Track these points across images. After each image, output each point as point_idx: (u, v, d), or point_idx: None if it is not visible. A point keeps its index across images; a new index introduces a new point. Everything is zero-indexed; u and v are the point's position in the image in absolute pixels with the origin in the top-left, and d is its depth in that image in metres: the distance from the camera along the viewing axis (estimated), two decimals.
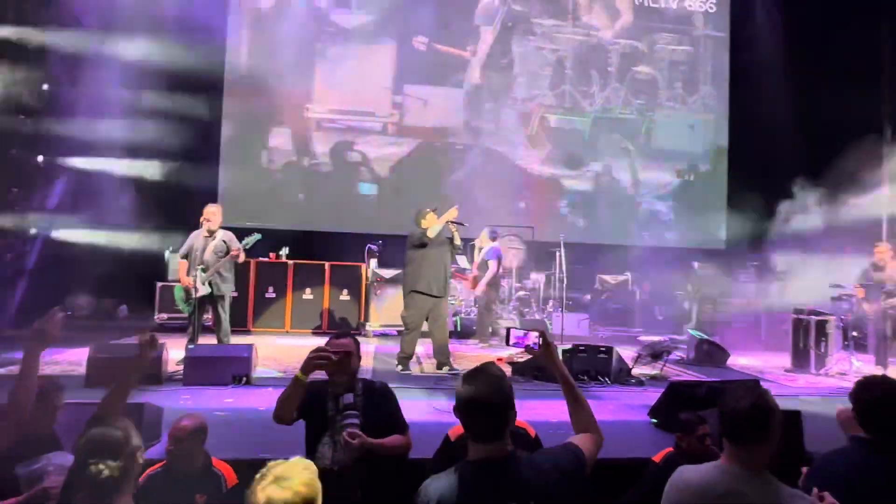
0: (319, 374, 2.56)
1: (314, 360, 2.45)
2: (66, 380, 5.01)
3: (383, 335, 8.51)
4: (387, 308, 8.80)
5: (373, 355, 7.04)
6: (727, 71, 11.20)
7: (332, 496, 2.35)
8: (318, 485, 1.45)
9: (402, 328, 8.44)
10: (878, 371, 6.47)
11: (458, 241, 6.05)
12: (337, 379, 2.55)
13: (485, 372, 1.70)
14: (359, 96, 10.28)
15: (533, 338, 1.96)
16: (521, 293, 9.36)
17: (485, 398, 1.63)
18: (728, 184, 10.94)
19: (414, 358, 6.28)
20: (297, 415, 2.54)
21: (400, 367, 6.00)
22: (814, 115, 9.66)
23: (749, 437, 1.70)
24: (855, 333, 6.67)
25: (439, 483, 1.61)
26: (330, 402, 2.55)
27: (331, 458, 2.46)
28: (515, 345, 2.02)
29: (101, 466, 1.61)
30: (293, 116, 10.20)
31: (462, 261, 9.25)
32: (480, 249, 8.23)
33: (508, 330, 2.06)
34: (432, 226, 5.91)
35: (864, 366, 6.64)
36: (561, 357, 5.70)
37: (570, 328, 8.45)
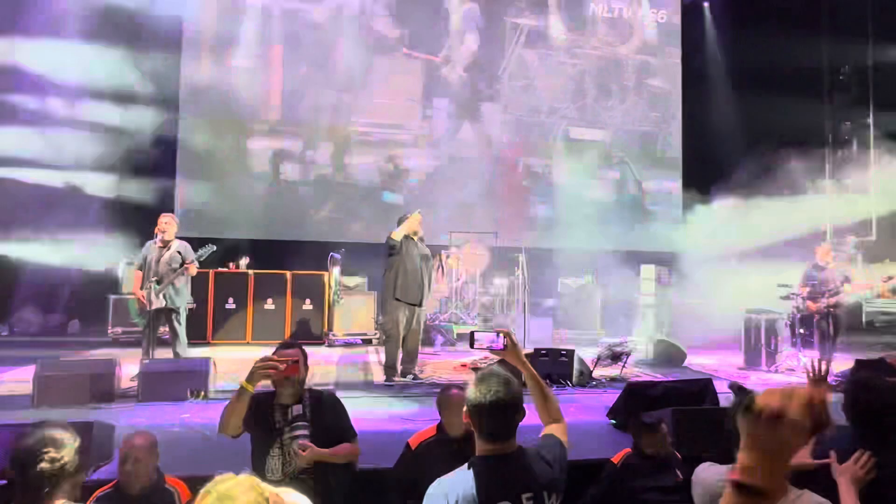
0: (267, 386, 2.53)
1: (260, 370, 2.40)
2: (10, 400, 4.87)
3: (347, 344, 8.44)
4: (351, 317, 8.75)
5: (336, 364, 6.98)
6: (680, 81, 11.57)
7: None
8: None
9: (369, 337, 8.51)
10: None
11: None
12: (284, 390, 2.52)
13: (496, 375, 1.77)
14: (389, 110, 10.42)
15: (498, 338, 1.99)
16: (485, 298, 9.43)
17: (500, 399, 1.70)
18: (683, 189, 11.28)
19: (377, 364, 6.23)
20: (242, 427, 2.49)
21: (385, 379, 5.90)
22: (761, 127, 10.12)
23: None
24: (802, 331, 6.95)
25: (454, 480, 1.68)
26: (277, 414, 2.52)
27: (281, 471, 2.44)
28: (481, 347, 2.02)
29: (40, 464, 1.64)
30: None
31: None
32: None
33: (472, 333, 2.05)
34: (395, 231, 5.89)
35: (810, 362, 6.93)
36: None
37: (534, 332, 8.55)
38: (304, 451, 2.40)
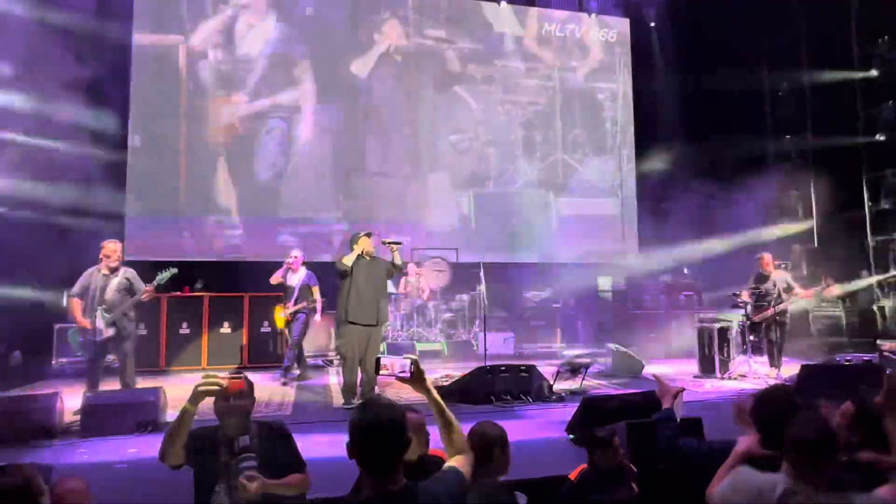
0: (210, 420, 2.45)
1: (202, 388, 2.31)
2: None
3: (313, 365, 8.26)
4: (311, 336, 8.59)
5: (295, 386, 6.82)
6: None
7: None
8: None
9: (330, 358, 8.36)
10: (773, 372, 7.01)
11: (398, 261, 5.91)
12: (229, 421, 2.44)
13: (375, 403, 1.69)
14: None
15: (404, 366, 1.91)
16: (447, 315, 9.42)
17: (374, 427, 1.61)
18: (638, 203, 11.59)
19: (331, 389, 6.11)
20: (184, 458, 2.39)
21: (343, 402, 5.79)
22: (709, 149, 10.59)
23: (817, 463, 1.80)
24: (752, 338, 7.18)
25: None
26: (222, 447, 2.42)
27: None
28: (386, 373, 1.92)
29: None
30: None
31: (388, 285, 9.21)
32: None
33: (378, 359, 1.95)
34: (347, 256, 5.82)
35: (761, 367, 7.17)
36: (481, 378, 5.81)
37: (496, 347, 8.58)
38: (251, 482, 2.31)
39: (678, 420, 2.70)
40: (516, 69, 11.32)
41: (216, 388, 2.33)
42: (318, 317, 7.35)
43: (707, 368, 7.30)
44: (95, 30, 8.53)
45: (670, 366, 8.20)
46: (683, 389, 2.84)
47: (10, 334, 8.59)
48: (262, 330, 8.40)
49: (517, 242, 10.71)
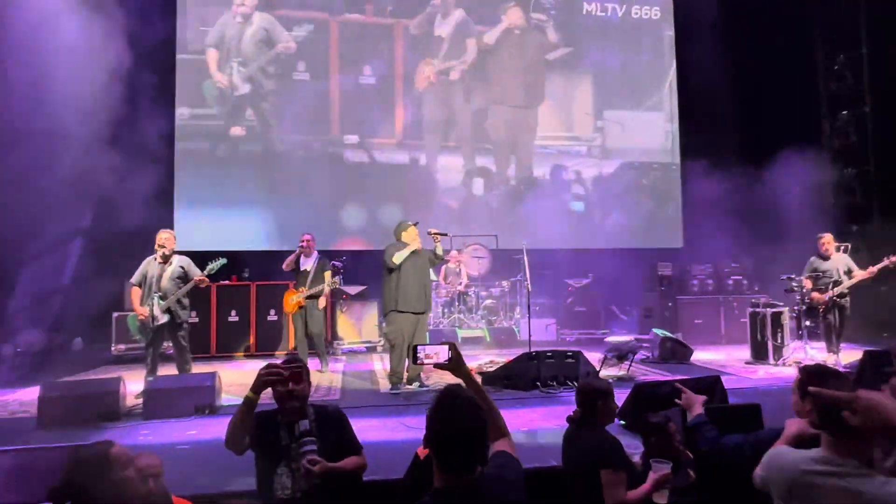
0: (269, 404, 2.50)
1: (264, 377, 2.36)
2: (17, 423, 4.85)
3: (351, 352, 8.41)
4: (354, 324, 8.73)
5: (341, 373, 6.95)
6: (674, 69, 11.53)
7: None
8: None
9: (374, 345, 8.50)
10: (830, 358, 6.74)
11: (440, 252, 6.01)
12: (287, 406, 2.49)
13: (459, 400, 1.58)
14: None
15: (441, 352, 1.91)
16: (488, 301, 9.40)
17: (460, 431, 1.52)
18: (682, 183, 11.25)
19: (376, 374, 6.20)
20: (248, 443, 2.46)
21: (390, 387, 5.88)
22: (755, 116, 10.11)
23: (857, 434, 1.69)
24: (808, 323, 6.92)
25: None
26: (282, 432, 2.49)
27: (291, 488, 2.41)
28: (423, 362, 1.93)
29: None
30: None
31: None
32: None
33: (415, 347, 1.98)
34: (399, 252, 5.85)
35: (818, 353, 6.90)
36: (526, 363, 5.78)
37: (538, 333, 8.52)
38: (314, 466, 2.37)
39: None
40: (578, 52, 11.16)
41: (278, 376, 2.38)
42: (322, 302, 6.88)
43: (760, 355, 7.08)
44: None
45: (720, 352, 7.99)
46: (707, 398, 2.86)
47: (71, 322, 9.05)
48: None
49: (557, 227, 10.58)
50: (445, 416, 1.55)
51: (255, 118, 10.00)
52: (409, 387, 5.91)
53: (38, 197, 8.37)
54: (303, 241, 6.91)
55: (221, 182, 9.81)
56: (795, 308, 7.03)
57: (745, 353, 7.41)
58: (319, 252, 7.15)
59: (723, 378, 4.74)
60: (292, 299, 6.90)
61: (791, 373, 6.46)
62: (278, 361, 2.57)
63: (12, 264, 8.18)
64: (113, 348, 7.92)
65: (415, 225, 6.01)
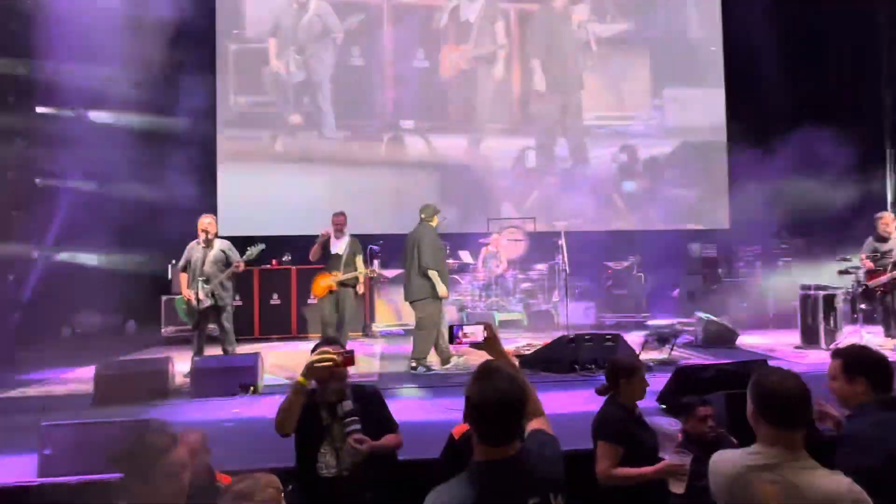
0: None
1: (318, 364, 2.39)
2: (75, 399, 5.12)
3: (389, 335, 8.51)
4: (392, 308, 8.82)
5: (378, 356, 7.04)
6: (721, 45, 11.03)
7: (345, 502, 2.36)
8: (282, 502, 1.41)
9: (411, 328, 8.57)
10: (889, 343, 6.41)
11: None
12: (329, 387, 2.53)
13: (497, 372, 1.61)
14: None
15: (477, 332, 1.91)
16: (526, 284, 9.33)
17: (499, 401, 1.54)
18: (729, 162, 10.83)
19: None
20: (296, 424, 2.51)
21: (414, 366, 5.97)
22: (812, 93, 9.58)
23: (795, 420, 1.67)
24: (864, 306, 6.60)
25: (454, 490, 1.54)
26: (323, 412, 2.53)
27: (336, 466, 2.46)
28: (460, 341, 1.94)
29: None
30: None
31: (465, 255, 9.25)
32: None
33: (452, 327, 1.99)
34: (440, 282, 5.98)
35: (874, 338, 6.58)
36: (565, 347, 5.73)
37: (577, 317, 8.42)
38: (361, 444, 2.42)
39: None
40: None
41: (330, 363, 2.42)
42: (360, 289, 6.69)
43: (811, 339, 6.79)
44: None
45: (767, 336, 7.72)
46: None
47: (124, 306, 9.46)
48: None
49: (597, 208, 10.39)
50: (484, 385, 1.57)
51: (310, 104, 10.12)
52: (445, 367, 6.00)
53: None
54: (336, 222, 6.55)
55: (265, 168, 10.05)
56: (850, 290, 6.71)
57: (794, 337, 7.12)
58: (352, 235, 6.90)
59: (770, 363, 4.57)
60: (323, 282, 6.52)
61: None
62: (316, 346, 2.61)
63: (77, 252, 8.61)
64: (163, 330, 8.24)
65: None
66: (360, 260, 6.55)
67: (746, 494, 1.63)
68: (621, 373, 2.79)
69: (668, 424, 3.17)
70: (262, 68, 10.11)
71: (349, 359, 2.52)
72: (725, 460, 1.74)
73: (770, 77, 9.85)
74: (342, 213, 6.66)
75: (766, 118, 10.07)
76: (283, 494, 1.44)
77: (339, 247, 6.50)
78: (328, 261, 6.53)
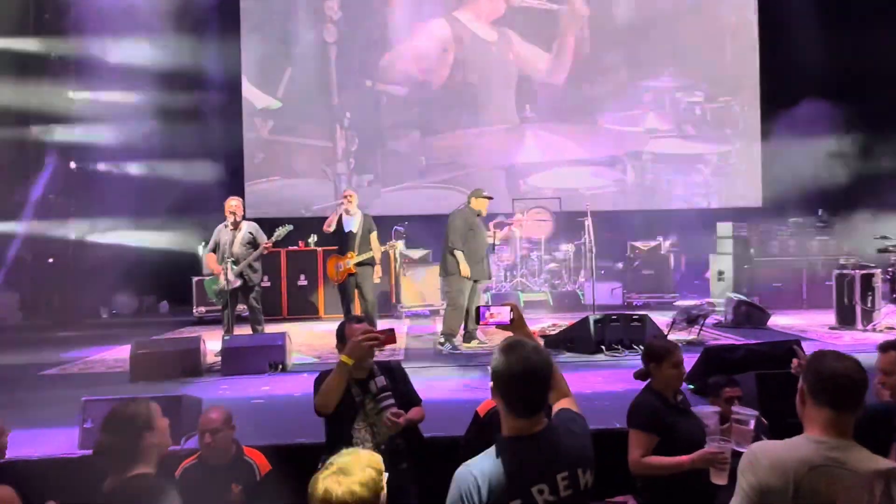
0: (324, 365, 2.61)
1: (363, 343, 2.43)
2: (112, 377, 5.31)
3: (415, 315, 8.56)
4: (417, 288, 8.86)
5: (404, 335, 7.10)
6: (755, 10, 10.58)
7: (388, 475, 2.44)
8: (381, 484, 1.41)
9: (436, 308, 8.64)
10: None
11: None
12: (365, 365, 2.59)
13: (522, 344, 1.63)
14: None
15: (504, 312, 1.92)
16: (552, 265, 9.26)
17: (526, 370, 1.55)
18: (762, 138, 10.48)
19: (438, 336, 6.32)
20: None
21: (441, 342, 6.03)
22: (850, 63, 9.13)
23: (853, 403, 1.58)
24: None
25: (483, 465, 1.54)
26: (354, 388, 2.58)
27: (372, 441, 2.53)
28: (487, 322, 1.95)
29: (113, 437, 1.85)
30: None
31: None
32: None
33: (478, 308, 2.03)
34: (462, 262, 5.97)
35: None
36: (592, 328, 5.69)
37: (603, 297, 8.34)
38: (398, 419, 2.49)
39: None
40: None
41: (375, 342, 2.47)
42: (378, 271, 6.40)
43: (846, 319, 6.60)
44: None
45: (801, 317, 7.53)
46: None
47: (157, 287, 9.73)
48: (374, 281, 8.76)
49: (625, 188, 10.21)
50: (510, 357, 1.58)
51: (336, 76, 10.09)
52: (469, 345, 6.06)
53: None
54: (343, 198, 6.28)
55: (291, 149, 10.14)
56: (890, 270, 6.48)
57: (828, 318, 6.93)
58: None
59: (803, 344, 4.46)
60: (339, 266, 6.18)
61: (880, 338, 5.99)
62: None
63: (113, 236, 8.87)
64: (194, 311, 8.44)
65: (488, 198, 6.19)
66: (374, 237, 6.25)
67: (824, 487, 1.53)
68: (650, 357, 2.74)
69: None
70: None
71: (391, 337, 2.57)
72: (782, 454, 1.60)
73: (808, 40, 9.41)
74: (351, 190, 6.57)
75: (801, 85, 9.65)
76: (384, 477, 1.43)
77: (353, 224, 6.21)
78: (341, 239, 6.27)
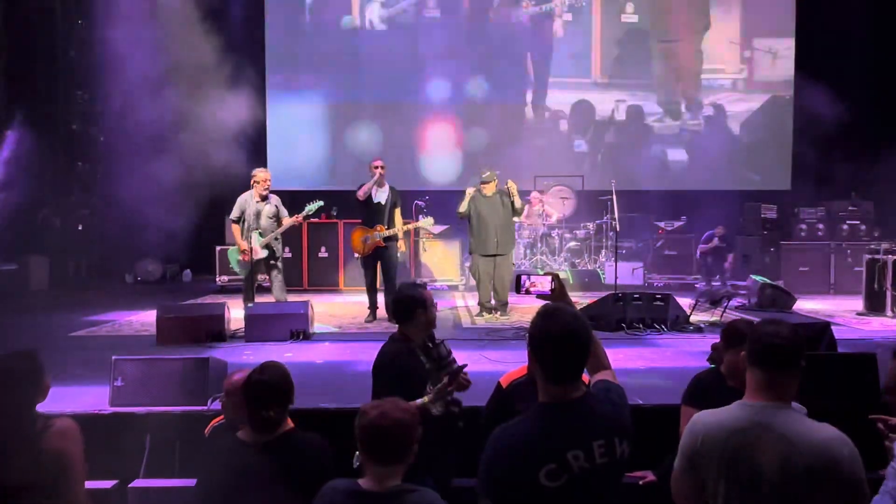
0: (391, 327, 2.64)
1: (449, 389, 2.51)
2: (140, 339, 5.42)
3: (434, 290, 8.58)
4: (437, 263, 8.87)
5: None
6: None
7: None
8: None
9: (455, 283, 8.72)
10: None
11: (517, 205, 6.30)
12: (429, 333, 2.75)
13: (561, 309, 1.60)
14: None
15: (545, 282, 1.89)
16: (573, 244, 9.18)
17: (572, 332, 1.53)
18: (794, 118, 10.17)
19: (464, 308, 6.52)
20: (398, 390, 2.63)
21: (479, 311, 6.40)
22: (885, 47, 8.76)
23: (787, 362, 1.62)
24: None
25: (519, 428, 1.54)
26: (422, 357, 2.68)
27: (446, 405, 2.55)
28: (527, 291, 1.94)
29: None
30: None
31: None
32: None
33: (519, 276, 1.97)
34: (461, 204, 6.28)
35: None
36: (612, 305, 5.65)
37: (625, 277, 8.26)
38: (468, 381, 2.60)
39: None
40: None
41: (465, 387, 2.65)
42: (401, 246, 6.25)
43: (876, 305, 6.46)
44: None
45: (828, 303, 7.39)
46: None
47: (181, 256, 9.86)
48: None
49: (650, 167, 10.02)
50: (549, 321, 1.56)
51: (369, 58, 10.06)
52: (493, 316, 6.24)
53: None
54: (376, 167, 5.99)
55: (314, 121, 10.13)
56: None
57: (857, 304, 6.79)
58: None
59: (831, 329, 4.38)
60: (367, 238, 5.95)
61: None
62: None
63: (138, 204, 8.96)
64: (217, 279, 8.56)
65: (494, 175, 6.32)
66: (398, 213, 6.14)
67: (747, 451, 1.57)
68: (730, 337, 2.50)
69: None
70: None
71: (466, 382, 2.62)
72: (714, 419, 1.65)
73: (842, 31, 9.06)
74: (380, 160, 6.15)
75: (837, 70, 9.32)
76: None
77: (382, 196, 6.03)
78: (368, 210, 6.04)
